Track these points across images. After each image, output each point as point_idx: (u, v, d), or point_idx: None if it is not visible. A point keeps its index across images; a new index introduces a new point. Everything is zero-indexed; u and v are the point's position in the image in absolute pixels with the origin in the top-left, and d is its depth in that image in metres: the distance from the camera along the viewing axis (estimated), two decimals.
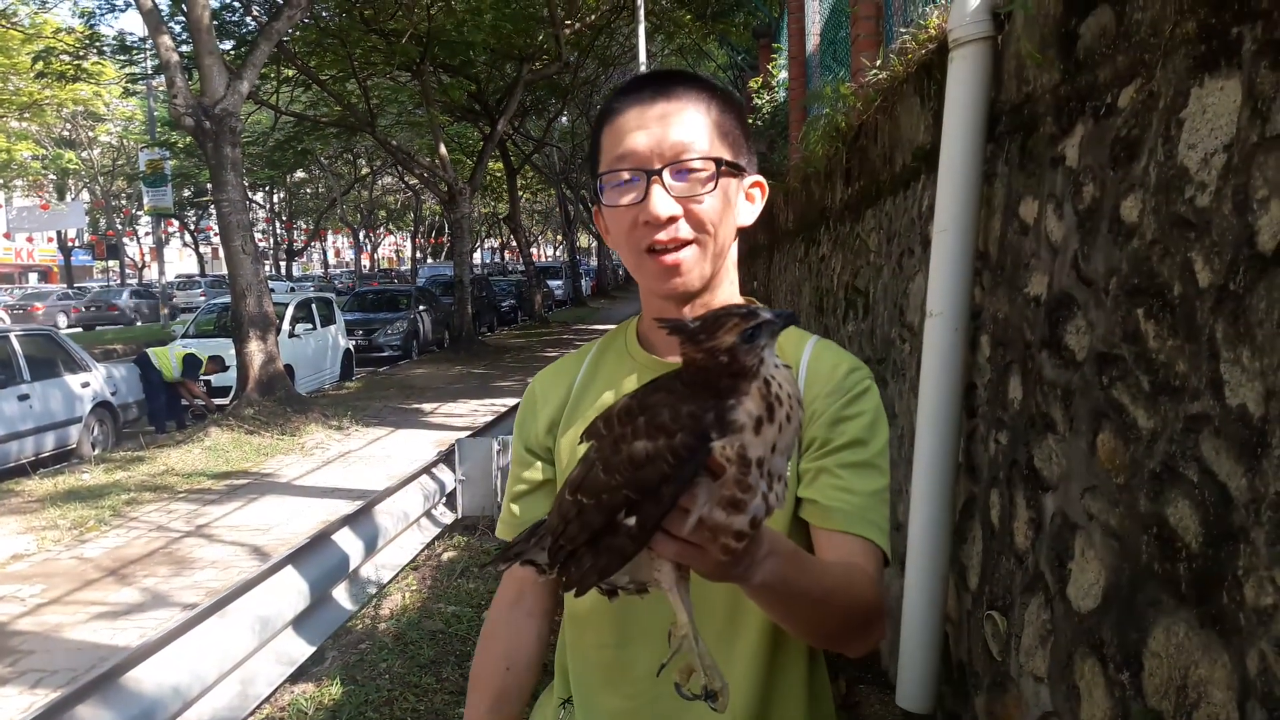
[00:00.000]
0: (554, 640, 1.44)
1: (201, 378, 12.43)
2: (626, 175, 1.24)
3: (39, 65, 17.71)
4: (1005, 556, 2.41)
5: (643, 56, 17.21)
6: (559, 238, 50.24)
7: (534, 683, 1.41)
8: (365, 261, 54.33)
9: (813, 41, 7.52)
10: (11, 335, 10.12)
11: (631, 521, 0.88)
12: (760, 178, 1.36)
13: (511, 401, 11.38)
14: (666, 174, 1.23)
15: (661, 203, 1.22)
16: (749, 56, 15.39)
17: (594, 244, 49.67)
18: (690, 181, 1.23)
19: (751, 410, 0.88)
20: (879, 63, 4.11)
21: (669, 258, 1.24)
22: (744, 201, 1.33)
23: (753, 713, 1.27)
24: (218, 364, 12.54)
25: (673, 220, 1.23)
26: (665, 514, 0.87)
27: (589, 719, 1.35)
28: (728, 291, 1.32)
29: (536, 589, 1.42)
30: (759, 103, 9.86)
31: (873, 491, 1.25)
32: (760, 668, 1.28)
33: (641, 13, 16.63)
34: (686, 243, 1.24)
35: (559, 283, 38.83)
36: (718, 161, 1.24)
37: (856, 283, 4.67)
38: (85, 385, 10.63)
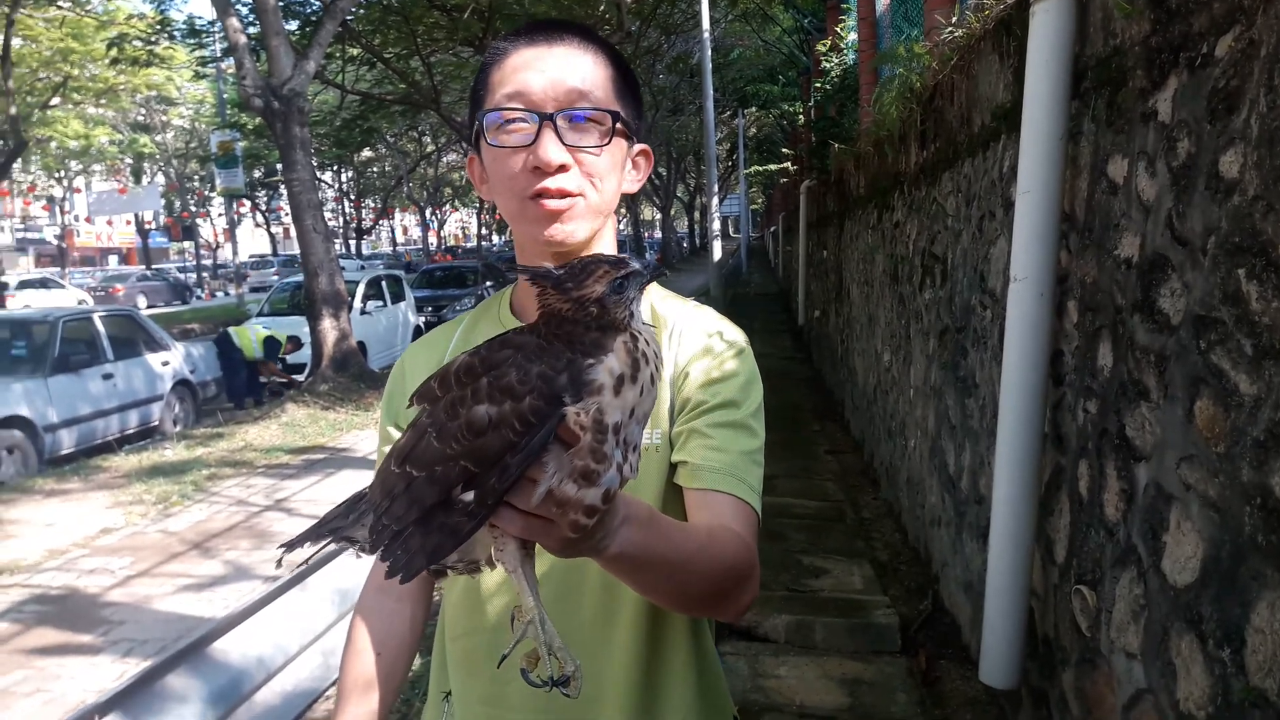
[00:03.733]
0: (432, 626, 1.39)
1: (280, 357, 12.74)
2: (517, 116, 1.18)
3: (113, 51, 18.12)
4: (1094, 529, 2.34)
5: (705, 23, 17.02)
6: (623, 210, 50.20)
7: (407, 668, 1.37)
8: (433, 239, 54.93)
9: (883, 2, 7.33)
10: (95, 316, 10.47)
11: (469, 497, 0.79)
12: (646, 146, 1.31)
13: None
14: (560, 119, 1.17)
15: (553, 148, 1.16)
16: (815, 19, 15.09)
17: (657, 217, 49.51)
18: (584, 132, 1.18)
19: (614, 367, 0.81)
20: (954, 20, 3.97)
21: (553, 203, 1.18)
22: (630, 169, 1.29)
23: (637, 698, 1.22)
24: (294, 343, 12.82)
25: (563, 169, 1.17)
26: (509, 488, 0.78)
27: (463, 709, 1.31)
28: (606, 251, 1.27)
29: None
30: (827, 66, 9.66)
31: (745, 451, 1.20)
32: (641, 649, 1.23)
33: None
34: (574, 196, 1.18)
35: (625, 255, 38.86)
36: (614, 115, 1.20)
37: (934, 249, 4.56)
38: (165, 364, 10.94)
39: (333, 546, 0.97)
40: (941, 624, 4.02)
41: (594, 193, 1.19)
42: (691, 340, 1.26)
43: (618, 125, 1.20)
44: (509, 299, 1.37)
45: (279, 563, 1.00)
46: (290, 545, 0.99)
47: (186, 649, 3.21)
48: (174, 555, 5.80)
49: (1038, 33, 2.49)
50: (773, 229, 34.64)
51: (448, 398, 0.81)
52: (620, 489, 0.83)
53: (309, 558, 0.98)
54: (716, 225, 18.65)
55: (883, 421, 6.12)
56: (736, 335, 1.29)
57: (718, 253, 18.09)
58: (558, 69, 1.18)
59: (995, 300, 3.32)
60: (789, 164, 14.87)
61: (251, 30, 12.94)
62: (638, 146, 1.29)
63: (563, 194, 1.17)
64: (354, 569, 4.16)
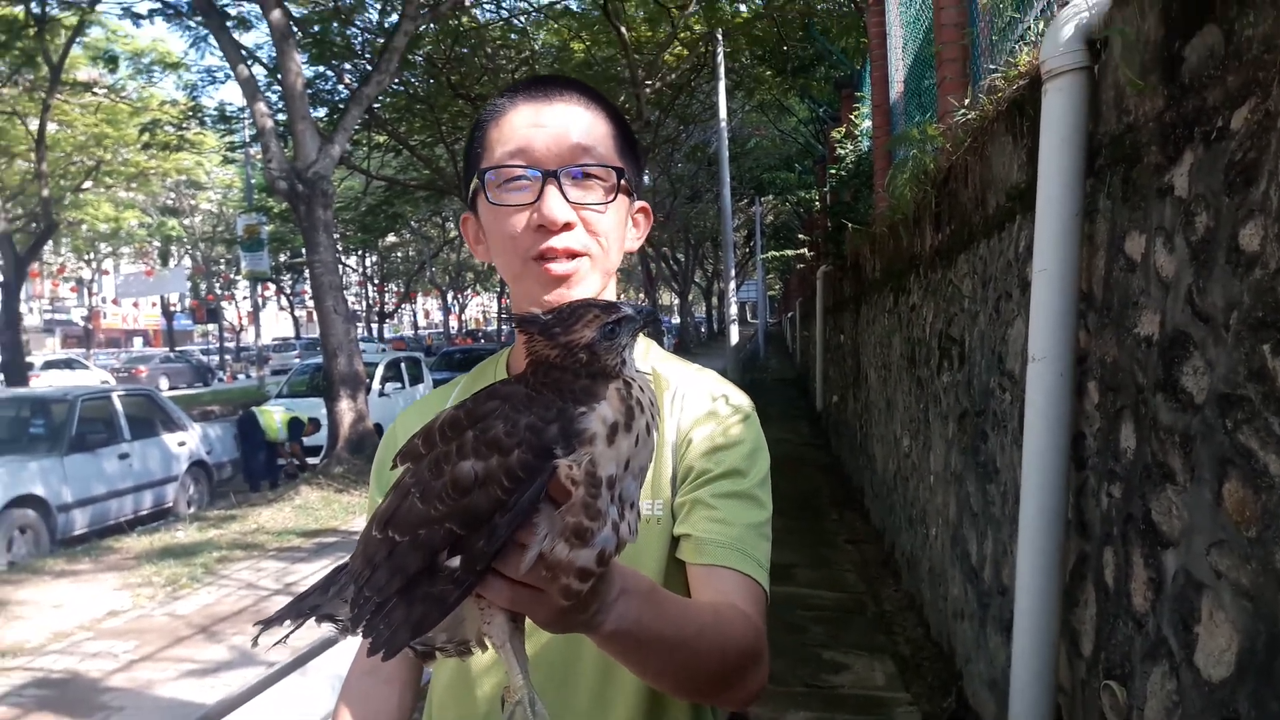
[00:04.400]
0: (419, 713, 1.30)
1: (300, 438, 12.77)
2: (519, 173, 1.14)
3: (145, 136, 18.65)
4: (1122, 620, 2.22)
5: (723, 113, 17.34)
6: (641, 296, 50.64)
7: None
8: (454, 322, 55.46)
9: (896, 89, 7.43)
10: (114, 395, 10.53)
11: (455, 562, 0.73)
12: (645, 204, 1.28)
13: None
14: (564, 176, 1.13)
15: (558, 206, 1.12)
16: (830, 109, 15.35)
17: (675, 301, 49.88)
18: (588, 189, 1.15)
19: (607, 416, 0.75)
20: (967, 102, 3.99)
21: (559, 267, 1.13)
22: (631, 226, 1.25)
23: None
24: (314, 425, 12.85)
25: (568, 227, 1.13)
26: (498, 551, 0.72)
27: None
28: None
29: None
30: (842, 153, 9.77)
31: (751, 524, 1.14)
32: None
33: (721, 70, 16.79)
34: (578, 255, 1.14)
35: None
36: (619, 171, 1.16)
37: (950, 331, 4.51)
38: (182, 444, 10.96)
39: (328, 630, 0.90)
40: None
41: (599, 251, 1.15)
42: (694, 404, 1.21)
43: (622, 182, 1.16)
44: (506, 358, 1.32)
45: (255, 641, 0.93)
46: (267, 623, 0.91)
47: None
48: (179, 639, 5.68)
49: (1050, 111, 2.48)
50: (790, 314, 34.78)
51: (432, 454, 0.76)
52: (617, 553, 0.76)
53: (285, 636, 0.91)
54: (734, 310, 18.72)
55: (903, 509, 5.99)
56: (741, 400, 1.24)
57: (734, 337, 18.12)
58: (559, 125, 1.15)
59: (1014, 382, 3.25)
60: (805, 249, 14.97)
61: (279, 116, 13.27)
62: (638, 204, 1.25)
63: (569, 254, 1.13)
64: (355, 653, 4.05)
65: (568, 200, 1.12)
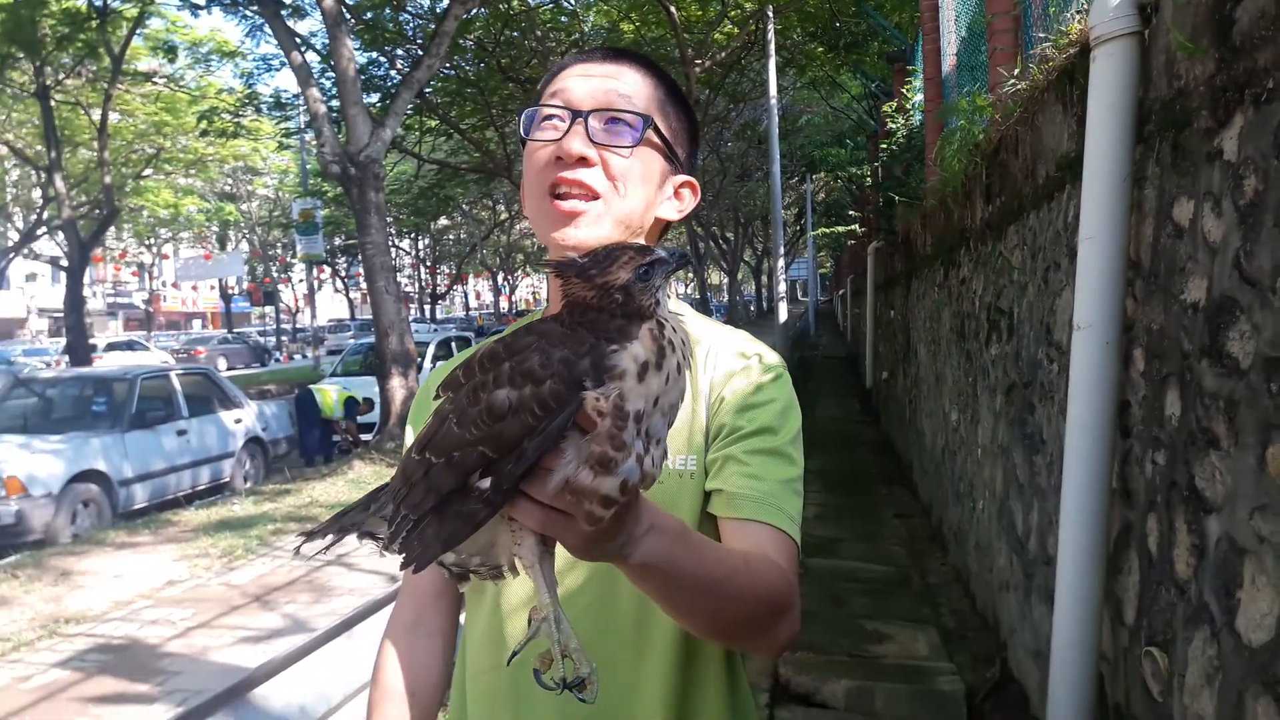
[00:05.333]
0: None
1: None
2: (554, 112, 1.18)
3: (203, 124, 19.02)
4: (1165, 587, 2.21)
5: (773, 90, 17.19)
6: (689, 274, 50.54)
7: (438, 706, 1.31)
8: (504, 303, 55.85)
9: (949, 62, 7.32)
10: (172, 374, 10.81)
11: (486, 483, 0.76)
12: (693, 180, 1.28)
13: None
14: (593, 119, 1.16)
15: (578, 140, 1.15)
16: (883, 84, 15.16)
17: (724, 280, 49.69)
18: (616, 134, 1.17)
19: (639, 354, 0.78)
20: (1017, 72, 3.94)
21: (567, 204, 1.15)
22: (672, 198, 1.26)
23: None
24: (368, 404, 13.08)
25: (585, 163, 1.15)
26: (526, 474, 0.76)
27: None
28: None
29: (436, 608, 1.32)
30: (894, 127, 9.66)
31: (783, 479, 1.15)
32: (673, 682, 1.16)
33: (772, 48, 16.63)
34: (593, 195, 1.15)
35: None
36: (647, 119, 1.18)
37: (999, 303, 4.47)
38: (238, 421, 11.21)
39: (367, 545, 0.93)
40: (1009, 693, 3.85)
41: (615, 197, 1.17)
42: (727, 363, 1.22)
43: (649, 134, 1.18)
44: (544, 314, 1.36)
45: (297, 550, 0.99)
46: (310, 535, 0.96)
47: (226, 693, 3.22)
48: (234, 608, 5.86)
49: (1099, 77, 2.45)
50: (841, 292, 34.50)
51: (470, 383, 0.80)
52: (643, 484, 0.79)
53: (327, 547, 0.96)
54: (783, 288, 18.62)
55: (951, 484, 5.96)
56: (773, 359, 1.25)
57: (784, 315, 18.03)
58: (604, 75, 1.19)
59: (1061, 353, 3.22)
60: (856, 226, 14.83)
61: (333, 102, 13.45)
62: (682, 177, 1.27)
63: (582, 188, 1.15)
64: (393, 608, 4.15)
65: (592, 140, 1.15)
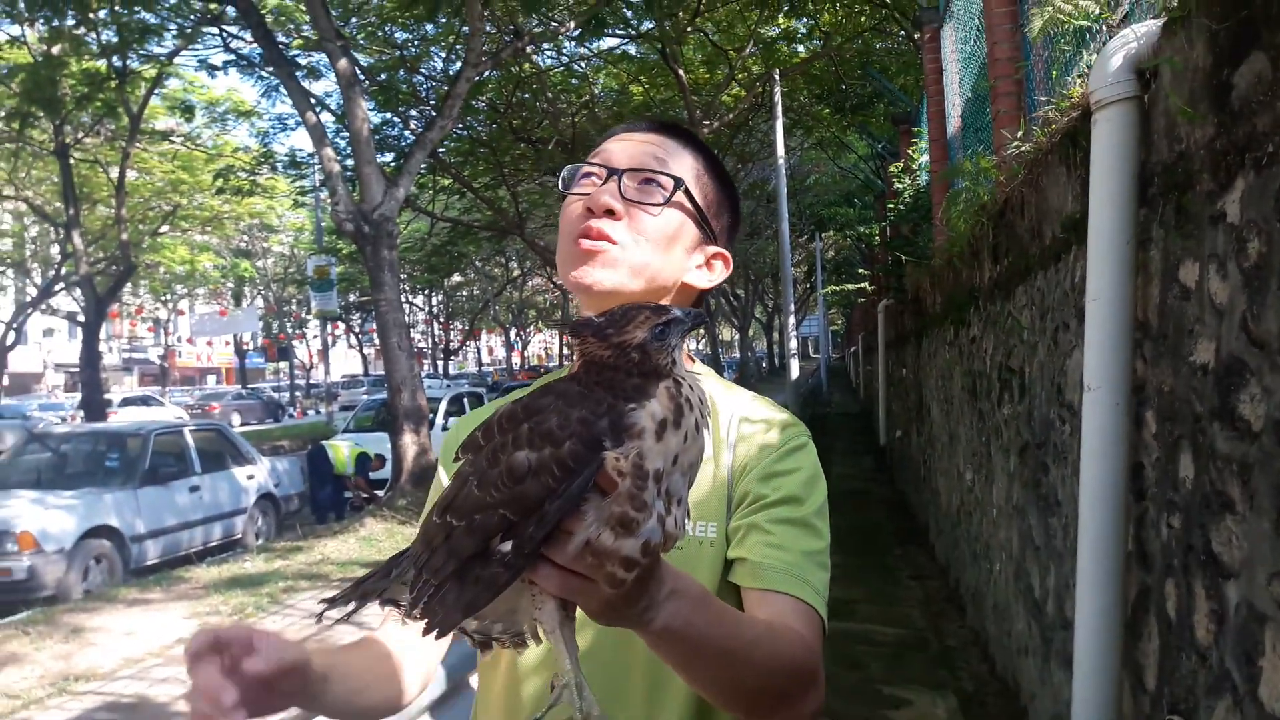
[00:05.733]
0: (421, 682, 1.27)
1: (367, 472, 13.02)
2: (592, 169, 1.22)
3: (219, 182, 19.31)
4: (1186, 654, 2.18)
5: (780, 151, 17.39)
6: (701, 331, 50.62)
7: (381, 691, 1.19)
8: (516, 359, 56.00)
9: (954, 124, 7.41)
10: (185, 430, 10.85)
11: (507, 547, 0.76)
12: (725, 252, 1.29)
13: None
14: (627, 177, 1.19)
15: (608, 194, 1.18)
16: (889, 145, 15.32)
17: (736, 337, 49.78)
18: (647, 193, 1.20)
19: (657, 412, 0.78)
20: (1019, 134, 3.98)
21: (589, 243, 1.18)
22: (703, 267, 1.27)
23: None
24: (380, 460, 13.09)
25: (611, 214, 1.18)
26: (547, 537, 0.75)
27: None
28: None
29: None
30: (900, 187, 9.75)
31: (808, 551, 1.14)
32: None
33: (779, 110, 16.86)
34: (613, 244, 1.18)
35: None
36: (678, 181, 1.20)
37: (1010, 363, 4.47)
38: (250, 477, 11.22)
39: (389, 612, 0.93)
40: None
41: (636, 249, 1.18)
42: (752, 431, 1.22)
43: (680, 197, 1.21)
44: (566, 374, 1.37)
45: (319, 617, 0.99)
46: (332, 601, 0.96)
47: None
48: None
49: (1100, 141, 2.48)
50: (852, 349, 34.47)
51: (490, 445, 0.80)
52: (665, 545, 0.79)
53: (348, 615, 0.96)
54: (794, 344, 18.65)
55: (967, 544, 5.90)
56: (798, 428, 1.25)
57: (795, 371, 18.01)
58: (645, 142, 1.23)
59: (1073, 413, 3.21)
60: (866, 284, 14.89)
61: (347, 161, 13.65)
62: (715, 248, 1.28)
63: (603, 236, 1.17)
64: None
65: (623, 196, 1.19)
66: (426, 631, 0.80)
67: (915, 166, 9.63)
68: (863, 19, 16.07)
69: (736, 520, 1.16)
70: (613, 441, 0.76)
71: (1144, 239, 2.46)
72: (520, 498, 0.75)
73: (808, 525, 1.16)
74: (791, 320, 19.69)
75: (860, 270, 18.62)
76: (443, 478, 1.33)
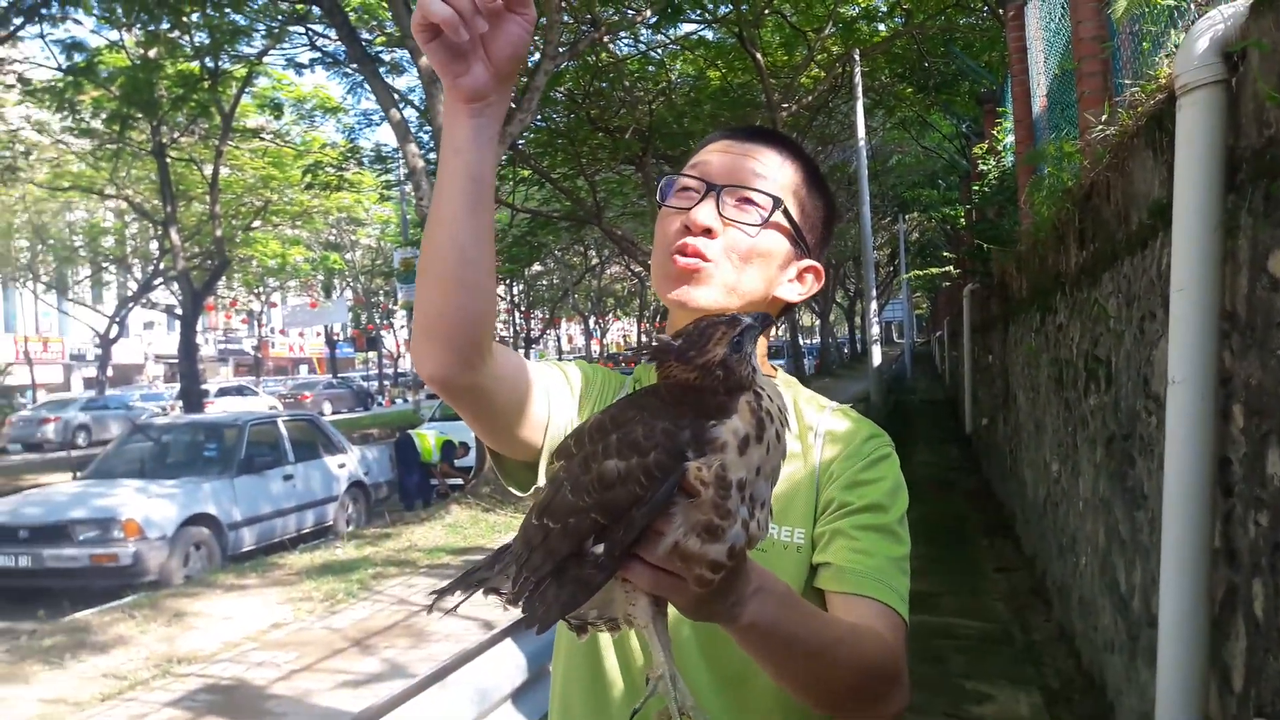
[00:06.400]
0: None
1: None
2: (690, 182, 1.22)
3: (308, 177, 19.81)
4: (1274, 654, 2.12)
5: (861, 132, 17.13)
6: (780, 317, 50.15)
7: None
8: (595, 347, 56.34)
9: (1039, 103, 7.22)
10: (280, 420, 11.22)
11: (599, 549, 0.81)
12: (818, 265, 1.30)
13: None
14: (726, 193, 1.20)
15: (706, 211, 1.19)
16: (974, 124, 14.96)
17: (817, 322, 49.23)
18: (745, 211, 1.20)
19: (739, 428, 0.81)
20: (1104, 118, 3.87)
21: (685, 261, 1.19)
22: (795, 280, 1.28)
23: None
24: (464, 448, 13.35)
25: (709, 234, 1.19)
26: (635, 540, 0.80)
27: None
28: None
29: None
30: (985, 169, 9.53)
31: (892, 557, 1.15)
32: None
33: (859, 90, 16.60)
34: (708, 261, 1.19)
35: (781, 361, 38.52)
36: (777, 201, 1.21)
37: (1096, 352, 4.35)
38: (342, 466, 11.53)
39: (493, 601, 0.98)
40: None
41: (731, 267, 1.20)
42: (836, 441, 1.25)
43: (777, 217, 1.21)
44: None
45: (430, 609, 1.04)
46: (441, 593, 1.02)
47: None
48: (336, 651, 6.00)
49: (1186, 126, 2.40)
50: (938, 333, 33.85)
51: (581, 454, 0.85)
52: (749, 546, 0.83)
53: (456, 605, 1.02)
54: (876, 330, 18.39)
55: (1054, 536, 5.77)
56: (882, 439, 1.27)
57: (877, 358, 17.77)
58: (745, 153, 1.24)
59: (1160, 405, 3.12)
60: (951, 268, 14.59)
61: (430, 155, 13.88)
62: (808, 261, 1.29)
63: (699, 255, 1.19)
64: (495, 667, 4.19)
65: (721, 214, 1.20)
66: (527, 625, 0.85)
67: (1000, 147, 9.40)
68: None
69: (821, 526, 1.19)
70: (695, 452, 0.80)
71: (1231, 227, 2.38)
72: (610, 503, 0.80)
73: (891, 532, 1.18)
74: (873, 305, 19.41)
75: (945, 254, 18.27)
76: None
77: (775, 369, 1.36)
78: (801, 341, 45.91)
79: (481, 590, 0.99)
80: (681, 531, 0.80)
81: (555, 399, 1.22)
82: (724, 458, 0.80)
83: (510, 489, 1.30)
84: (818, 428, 1.26)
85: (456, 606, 1.01)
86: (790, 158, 1.27)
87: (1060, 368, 5.38)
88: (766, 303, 1.26)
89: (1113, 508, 3.92)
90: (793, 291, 1.29)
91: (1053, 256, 5.43)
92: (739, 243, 1.20)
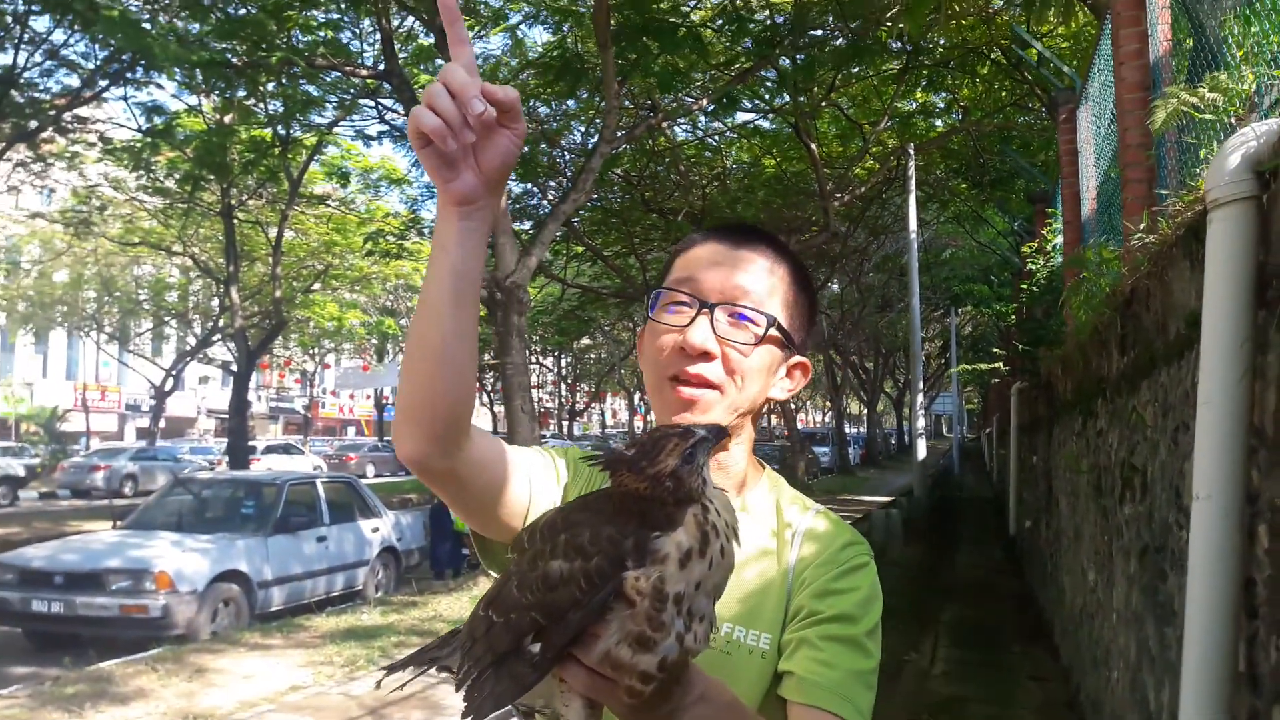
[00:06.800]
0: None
1: None
2: (682, 298, 1.22)
3: (369, 245, 20.32)
4: None
5: (913, 226, 17.21)
6: (826, 403, 49.88)
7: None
8: (639, 422, 56.29)
9: (1088, 206, 7.22)
10: (318, 481, 11.33)
11: (536, 648, 0.82)
12: (805, 360, 1.30)
13: None
14: (719, 311, 1.20)
15: (702, 334, 1.18)
16: (1026, 223, 14.96)
17: (864, 411, 48.77)
18: (740, 328, 1.21)
19: (682, 542, 0.81)
20: (1142, 226, 3.86)
21: (689, 391, 1.19)
22: (783, 378, 1.29)
23: None
24: None
25: (707, 357, 1.19)
26: (570, 643, 0.81)
27: None
28: (738, 452, 1.26)
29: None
30: (1034, 267, 9.49)
31: (855, 671, 1.13)
32: None
33: (912, 184, 16.72)
34: (712, 386, 1.19)
35: (826, 449, 38.17)
36: (770, 319, 1.21)
37: (1133, 460, 4.27)
38: (375, 530, 11.57)
39: (445, 677, 0.99)
40: None
41: (734, 389, 1.20)
42: (813, 545, 1.24)
43: (771, 331, 1.22)
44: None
45: (378, 684, 1.07)
46: (392, 668, 1.05)
47: None
48: (349, 719, 5.96)
49: (1215, 240, 2.40)
50: (987, 430, 33.36)
51: (532, 550, 0.87)
52: (686, 658, 0.84)
53: (408, 681, 1.05)
54: (921, 423, 18.18)
55: (1088, 648, 5.59)
56: (861, 546, 1.26)
57: (922, 451, 17.53)
58: (734, 266, 1.24)
59: (1190, 519, 3.05)
60: (1000, 364, 14.45)
61: None
62: (796, 358, 1.30)
63: (702, 382, 1.19)
64: None
65: (716, 334, 1.20)
66: (465, 715, 0.87)
67: (1049, 247, 9.38)
68: (1003, 94, 15.81)
69: (790, 634, 1.18)
70: (636, 561, 0.81)
71: (1261, 343, 2.35)
72: (550, 604, 0.81)
73: (858, 644, 1.16)
74: (920, 398, 19.23)
75: (995, 349, 18.10)
76: None
77: (762, 466, 1.35)
78: (848, 430, 45.39)
79: (436, 667, 1.01)
80: (615, 640, 0.80)
81: (538, 484, 1.24)
82: (664, 570, 0.81)
83: (490, 571, 1.30)
84: (797, 528, 1.25)
85: (407, 683, 1.04)
86: (778, 258, 1.28)
87: (1099, 474, 5.28)
88: (759, 407, 1.27)
89: (1144, 622, 3.81)
90: (782, 390, 1.30)
91: (1095, 360, 5.37)
92: (738, 364, 1.20)
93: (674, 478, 0.83)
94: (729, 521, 0.87)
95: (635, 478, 0.84)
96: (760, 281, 1.24)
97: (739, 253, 1.26)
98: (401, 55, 13.83)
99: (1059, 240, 8.71)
